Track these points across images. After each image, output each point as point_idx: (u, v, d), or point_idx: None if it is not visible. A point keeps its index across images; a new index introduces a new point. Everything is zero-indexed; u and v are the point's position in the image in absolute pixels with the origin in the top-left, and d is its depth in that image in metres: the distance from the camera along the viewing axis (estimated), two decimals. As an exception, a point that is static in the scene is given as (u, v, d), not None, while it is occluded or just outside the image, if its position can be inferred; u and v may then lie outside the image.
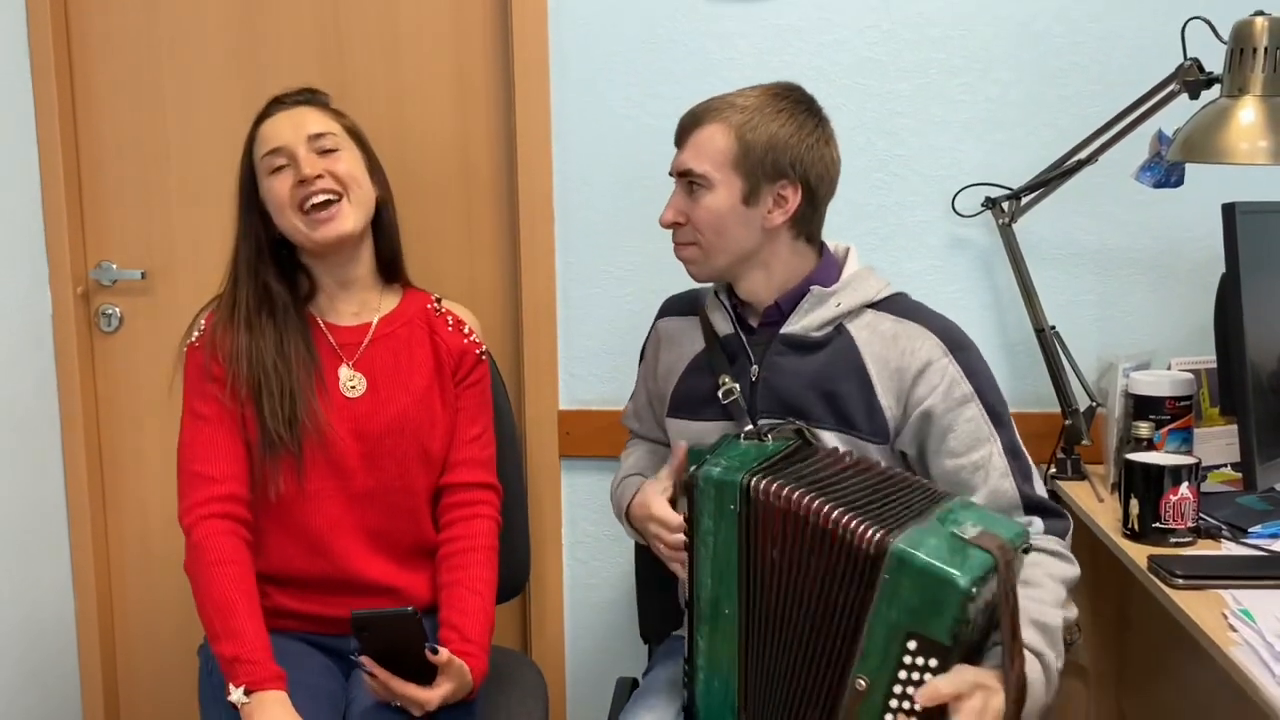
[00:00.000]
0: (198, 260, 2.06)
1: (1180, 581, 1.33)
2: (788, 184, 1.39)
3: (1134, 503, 1.48)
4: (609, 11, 1.88)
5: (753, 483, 1.25)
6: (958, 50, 1.83)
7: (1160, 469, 1.46)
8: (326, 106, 1.60)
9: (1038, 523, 1.38)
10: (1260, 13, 1.45)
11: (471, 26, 1.97)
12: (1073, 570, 1.36)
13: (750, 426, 1.40)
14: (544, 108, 1.91)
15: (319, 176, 1.50)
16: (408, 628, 1.36)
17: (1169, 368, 1.72)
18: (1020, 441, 1.43)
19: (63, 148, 2.02)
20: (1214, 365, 1.67)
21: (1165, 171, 1.62)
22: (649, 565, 1.71)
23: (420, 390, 1.59)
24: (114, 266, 2.08)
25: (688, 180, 1.41)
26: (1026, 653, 1.21)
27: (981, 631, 1.22)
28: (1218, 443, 1.69)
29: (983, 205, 1.81)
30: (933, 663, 1.17)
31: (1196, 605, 1.28)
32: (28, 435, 2.02)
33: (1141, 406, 1.64)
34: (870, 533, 1.19)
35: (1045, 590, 1.31)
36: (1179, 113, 1.59)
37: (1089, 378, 1.80)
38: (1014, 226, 1.77)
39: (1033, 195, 1.77)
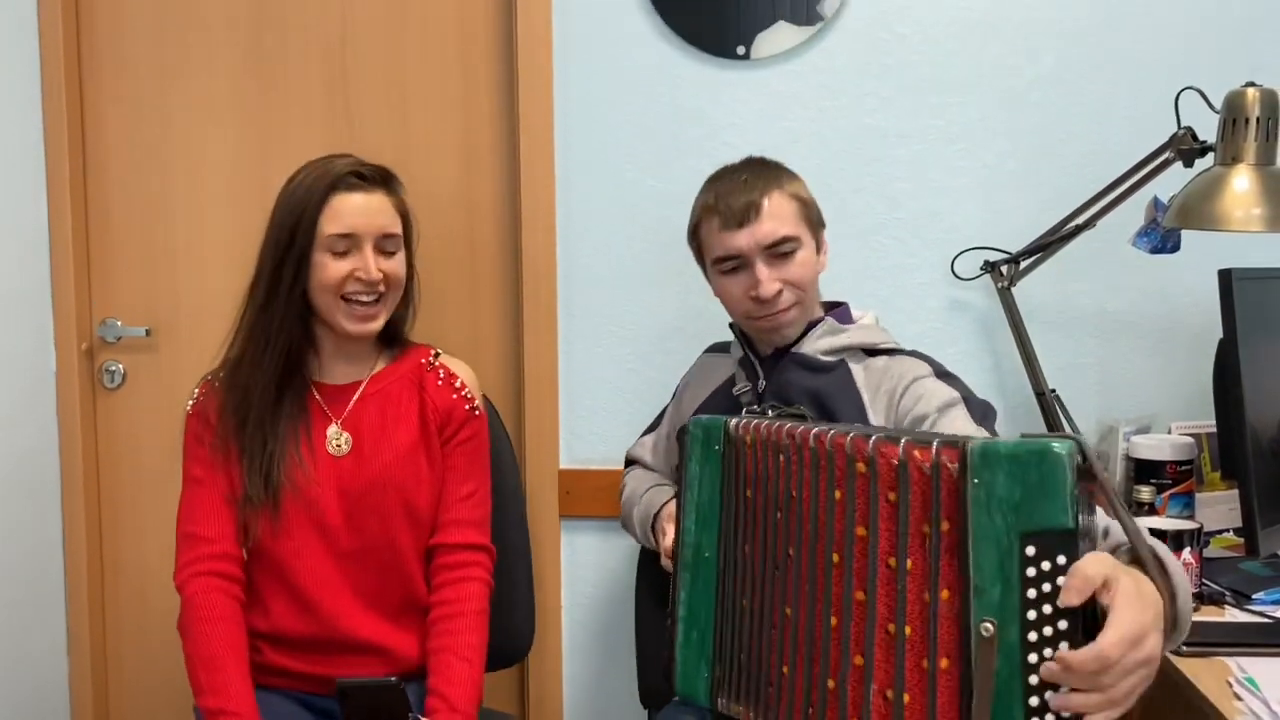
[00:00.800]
0: (202, 317, 2.08)
1: (1184, 648, 1.31)
2: (823, 230, 1.56)
3: (1136, 568, 1.47)
4: (614, 74, 1.92)
5: (735, 422, 1.24)
6: (955, 118, 1.86)
7: (1162, 534, 1.46)
8: (394, 191, 1.60)
9: None
10: (1251, 84, 1.48)
11: (478, 87, 2.01)
12: None
13: (755, 407, 1.45)
14: (548, 168, 1.94)
15: (378, 280, 1.54)
16: (391, 698, 1.37)
17: (1169, 432, 1.72)
18: None
19: (71, 204, 2.04)
20: (1214, 429, 1.68)
21: (1162, 237, 1.64)
22: (650, 626, 1.70)
23: (404, 447, 1.58)
24: (119, 323, 2.10)
25: (774, 250, 1.47)
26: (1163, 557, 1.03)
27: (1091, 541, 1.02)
28: (1220, 507, 1.69)
29: (981, 269, 1.83)
30: (1061, 560, 0.95)
31: (1201, 672, 1.27)
32: (27, 492, 2.01)
33: (1143, 470, 1.65)
34: (936, 451, 1.01)
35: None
36: (1174, 179, 1.61)
37: (1090, 441, 1.80)
38: (1013, 290, 1.79)
39: (1031, 259, 1.78)
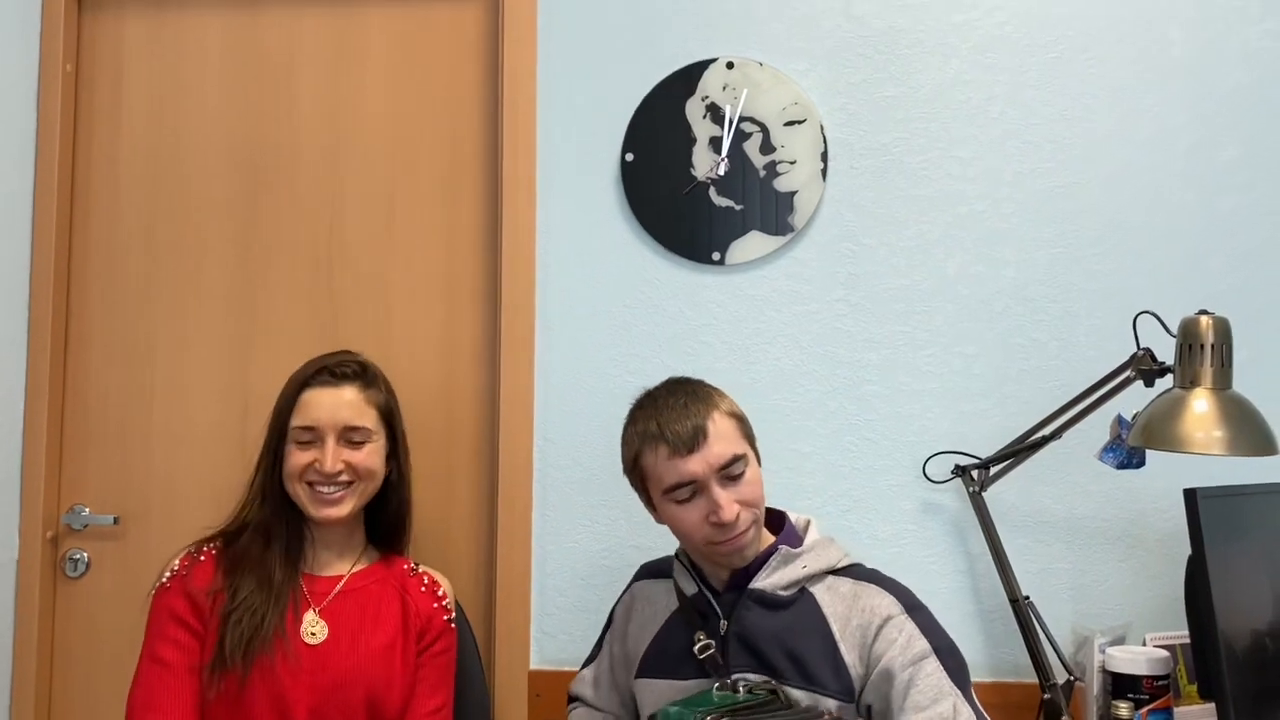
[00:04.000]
0: (172, 507, 2.05)
1: None
2: (756, 443, 1.53)
3: (1119, 793, 1.45)
4: (594, 274, 1.97)
5: None
6: (921, 325, 1.92)
7: (1142, 758, 1.44)
8: (370, 385, 1.64)
9: None
10: (1204, 311, 1.54)
11: (461, 281, 2.05)
12: None
13: (727, 680, 1.41)
14: (528, 363, 1.97)
15: (338, 472, 1.57)
16: None
17: (1144, 642, 1.71)
18: (981, 709, 1.42)
19: (50, 390, 2.05)
20: (1189, 640, 1.67)
21: (1127, 454, 1.67)
22: None
23: (380, 646, 1.57)
24: (87, 511, 2.07)
25: (727, 471, 1.45)
26: None
27: None
28: (1198, 722, 1.67)
29: (952, 473, 1.85)
30: None
31: None
32: (-24, 686, 1.94)
33: (1120, 685, 1.63)
34: None
35: None
36: (1137, 393, 1.66)
37: (1065, 649, 1.79)
38: (984, 494, 1.81)
39: (1001, 465, 1.81)
